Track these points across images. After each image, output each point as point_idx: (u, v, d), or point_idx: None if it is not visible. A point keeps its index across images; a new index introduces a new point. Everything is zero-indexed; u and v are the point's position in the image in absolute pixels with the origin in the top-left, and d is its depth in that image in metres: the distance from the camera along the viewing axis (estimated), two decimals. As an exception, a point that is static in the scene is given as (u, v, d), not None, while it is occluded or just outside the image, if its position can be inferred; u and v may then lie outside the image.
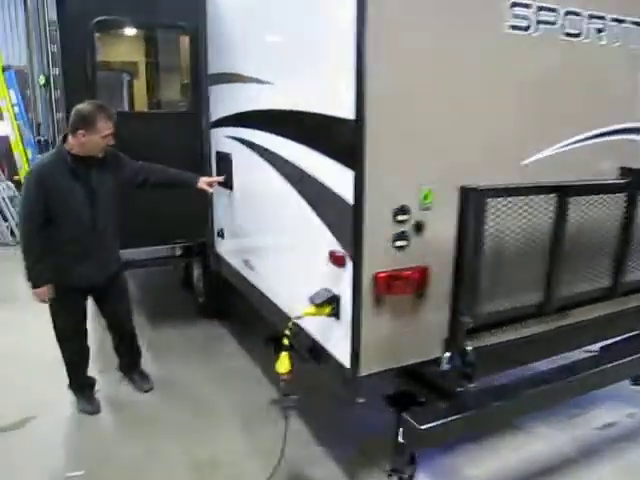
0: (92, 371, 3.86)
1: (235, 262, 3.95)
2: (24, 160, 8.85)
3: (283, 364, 2.57)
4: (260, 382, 4.07)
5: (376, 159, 2.31)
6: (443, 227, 2.53)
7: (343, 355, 2.56)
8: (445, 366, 2.57)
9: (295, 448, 3.09)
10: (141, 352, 4.10)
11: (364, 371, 2.52)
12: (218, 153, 4.04)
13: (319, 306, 2.55)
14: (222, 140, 3.92)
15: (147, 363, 4.34)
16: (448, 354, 2.57)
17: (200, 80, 4.18)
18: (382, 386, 2.76)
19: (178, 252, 4.73)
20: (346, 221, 2.40)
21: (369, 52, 2.19)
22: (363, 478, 3.10)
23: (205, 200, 4.37)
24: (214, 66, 4.01)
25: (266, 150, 3.08)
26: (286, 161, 2.86)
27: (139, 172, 3.62)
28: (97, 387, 3.90)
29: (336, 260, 2.51)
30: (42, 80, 11.84)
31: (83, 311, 3.61)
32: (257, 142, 3.21)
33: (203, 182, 3.74)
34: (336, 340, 2.62)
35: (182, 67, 5.18)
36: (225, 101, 3.80)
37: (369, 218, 2.35)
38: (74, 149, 3.22)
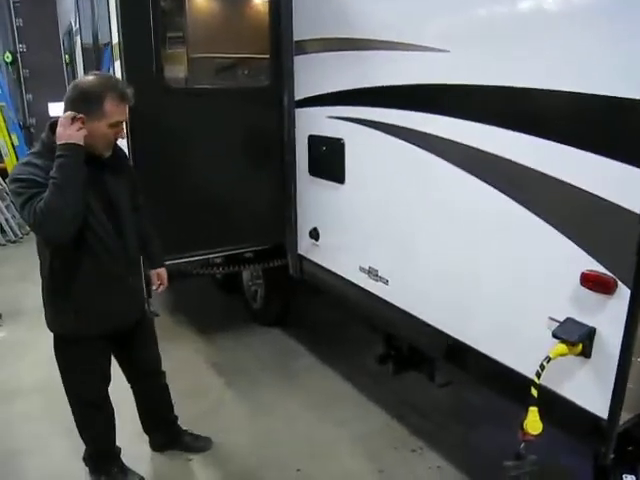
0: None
1: (341, 269, 3.30)
2: (9, 147, 7.92)
3: (535, 424, 1.99)
4: (371, 411, 3.45)
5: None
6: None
7: (595, 403, 2.03)
8: None
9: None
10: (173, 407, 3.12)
11: (622, 420, 2.03)
12: (313, 137, 3.34)
13: (574, 344, 1.99)
14: (322, 122, 3.21)
15: (221, 389, 3.68)
16: None
17: (281, 49, 3.43)
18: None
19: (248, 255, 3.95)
20: (623, 235, 1.85)
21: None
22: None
23: (277, 195, 3.69)
24: (305, 31, 3.28)
25: (443, 140, 2.42)
26: (490, 156, 2.22)
27: (136, 195, 2.66)
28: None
29: (597, 284, 1.95)
30: (8, 57, 10.43)
31: (110, 362, 2.68)
32: (419, 129, 2.54)
33: (157, 273, 2.85)
34: (581, 384, 2.08)
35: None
36: (333, 74, 3.08)
37: (657, 231, 1.82)
38: None
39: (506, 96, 2.14)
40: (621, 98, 1.80)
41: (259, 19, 3.69)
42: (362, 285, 3.13)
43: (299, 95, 3.43)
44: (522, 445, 2.06)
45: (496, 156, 2.21)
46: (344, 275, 3.28)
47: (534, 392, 2.00)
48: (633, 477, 2.29)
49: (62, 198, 2.11)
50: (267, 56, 4.46)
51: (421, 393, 3.54)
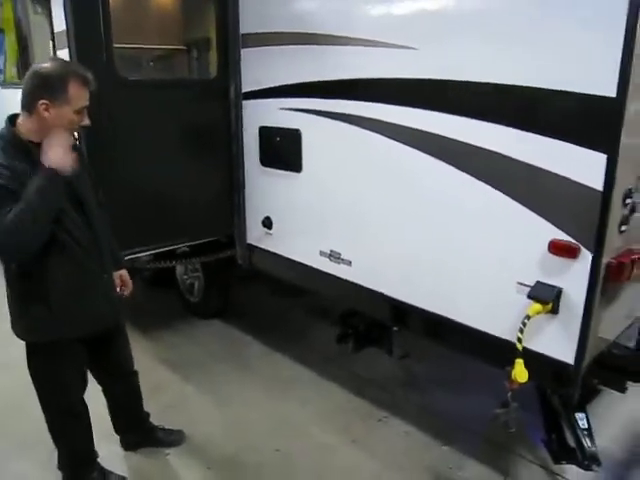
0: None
1: (299, 255, 3.43)
2: None
3: (522, 373, 2.28)
4: (329, 389, 3.63)
5: (627, 141, 2.11)
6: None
7: (562, 352, 2.37)
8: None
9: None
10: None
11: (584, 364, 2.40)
12: (265, 128, 3.41)
13: (547, 303, 2.32)
14: (275, 113, 3.31)
15: (179, 384, 3.67)
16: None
17: (228, 42, 3.46)
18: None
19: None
20: (585, 209, 2.18)
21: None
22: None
23: (226, 187, 3.73)
24: (254, 24, 3.34)
25: (413, 131, 2.62)
26: (459, 144, 2.48)
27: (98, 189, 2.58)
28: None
29: (563, 251, 2.28)
30: None
31: (86, 365, 2.61)
32: (383, 119, 2.74)
33: (119, 275, 2.73)
34: (549, 337, 2.42)
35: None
36: (287, 66, 3.17)
37: (613, 204, 2.18)
38: (31, 135, 2.13)
39: (466, 88, 2.42)
40: (584, 94, 2.12)
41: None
42: (323, 268, 3.29)
43: (248, 87, 3.49)
44: (509, 394, 2.37)
45: (461, 142, 2.48)
46: (302, 260, 3.42)
47: (519, 346, 2.31)
48: (583, 414, 2.70)
49: (32, 225, 2.02)
50: (183, 47, 4.50)
51: (374, 368, 3.78)
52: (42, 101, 2.08)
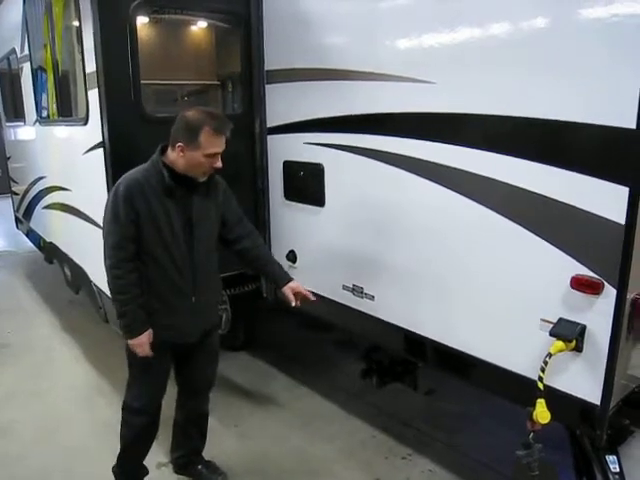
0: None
1: (322, 289, 3.41)
2: None
3: (543, 414, 2.21)
4: (354, 425, 3.58)
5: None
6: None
7: (587, 392, 2.28)
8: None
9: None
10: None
11: (612, 405, 2.31)
12: (289, 163, 3.47)
13: (570, 340, 2.25)
14: (299, 148, 3.36)
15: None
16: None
17: (253, 78, 3.55)
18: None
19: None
20: (608, 243, 2.13)
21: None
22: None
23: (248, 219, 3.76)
24: (278, 61, 3.43)
25: (434, 165, 2.61)
26: (480, 178, 2.45)
27: (239, 223, 2.81)
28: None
29: (586, 287, 2.22)
30: None
31: (168, 374, 2.82)
32: (403, 153, 2.74)
33: (290, 288, 2.79)
34: (573, 376, 2.34)
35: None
36: (310, 102, 3.23)
37: (637, 237, 2.11)
38: (175, 165, 2.47)
39: (487, 122, 2.40)
40: (604, 126, 2.07)
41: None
42: (346, 303, 3.27)
43: (272, 122, 3.56)
44: (531, 435, 2.28)
45: (486, 177, 2.44)
46: (326, 294, 3.40)
47: (540, 385, 2.23)
48: (615, 457, 2.57)
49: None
50: (217, 82, 4.60)
51: (399, 404, 3.71)
52: (179, 143, 2.41)
